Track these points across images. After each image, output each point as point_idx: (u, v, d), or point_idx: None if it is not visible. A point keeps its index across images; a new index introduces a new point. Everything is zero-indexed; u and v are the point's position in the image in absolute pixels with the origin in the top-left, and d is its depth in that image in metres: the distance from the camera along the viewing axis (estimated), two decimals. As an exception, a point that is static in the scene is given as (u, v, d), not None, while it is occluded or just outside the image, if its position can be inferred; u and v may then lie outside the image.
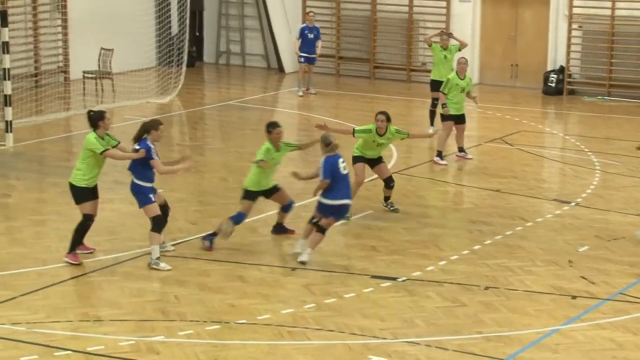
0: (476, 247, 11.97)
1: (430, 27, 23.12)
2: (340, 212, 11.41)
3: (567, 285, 10.67)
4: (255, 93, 22.15)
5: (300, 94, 21.56)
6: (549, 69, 22.40)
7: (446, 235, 12.52)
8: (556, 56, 22.37)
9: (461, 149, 16.23)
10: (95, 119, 11.21)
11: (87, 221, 11.19)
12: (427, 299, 10.32)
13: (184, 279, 10.77)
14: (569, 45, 22.19)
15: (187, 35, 21.89)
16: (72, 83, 21.55)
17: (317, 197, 11.41)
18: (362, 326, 9.58)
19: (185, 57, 21.83)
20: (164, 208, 11.40)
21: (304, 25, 21.76)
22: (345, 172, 11.39)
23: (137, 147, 11.11)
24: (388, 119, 13.12)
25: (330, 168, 11.30)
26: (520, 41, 22.82)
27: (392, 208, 13.34)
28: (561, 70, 22.22)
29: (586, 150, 16.91)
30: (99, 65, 21.38)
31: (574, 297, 10.35)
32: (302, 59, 21.53)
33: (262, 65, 25.12)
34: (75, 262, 11.11)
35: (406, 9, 23.49)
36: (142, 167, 11.08)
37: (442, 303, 10.19)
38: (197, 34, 25.30)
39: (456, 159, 16.02)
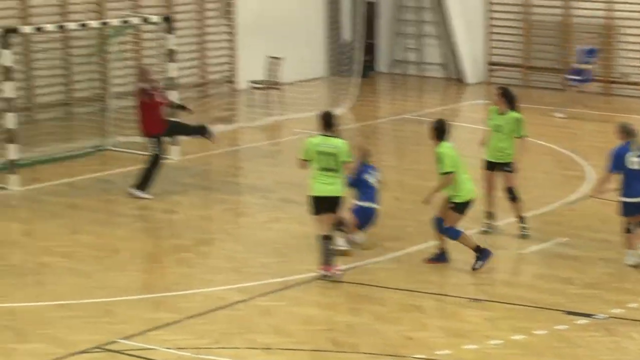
0: (688, 280, 11.53)
1: (631, 34, 22.51)
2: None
3: None
4: (433, 105, 22.12)
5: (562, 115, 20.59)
6: None
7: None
8: None
9: None
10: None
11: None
12: (630, 340, 9.98)
13: (357, 307, 10.83)
14: None
15: (360, 43, 22.10)
16: (238, 94, 22.11)
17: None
18: (557, 367, 9.38)
19: (358, 67, 22.04)
20: None
21: (591, 47, 20.91)
22: (636, 167, 11.62)
23: None
24: (504, 95, 12.88)
25: (617, 159, 11.62)
26: None
27: (523, 232, 13.00)
28: None
29: None
30: (266, 75, 21.85)
31: None
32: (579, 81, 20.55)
33: (441, 76, 25.07)
34: (337, 272, 11.52)
35: (603, 13, 22.95)
36: None
37: (646, 346, 9.86)
38: (371, 41, 25.51)
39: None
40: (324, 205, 11.37)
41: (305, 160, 11.48)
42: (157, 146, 14.66)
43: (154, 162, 14.65)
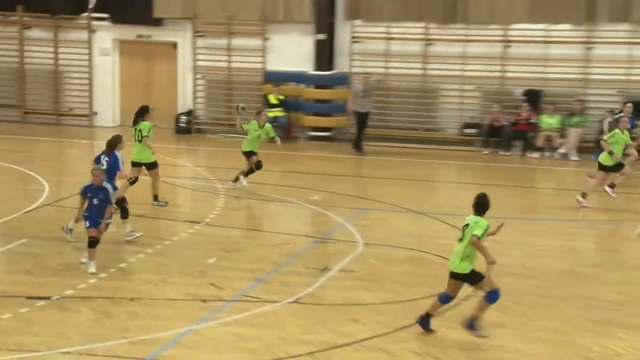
0: (122, 265, 11.87)
1: (76, 77, 22.97)
2: None
3: (199, 292, 10.92)
4: None
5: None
6: (179, 111, 22.97)
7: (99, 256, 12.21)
8: (185, 101, 23.01)
9: None
10: None
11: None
12: (78, 313, 10.04)
13: None
14: (195, 92, 22.91)
15: None
16: None
17: None
18: (18, 342, 9.13)
19: None
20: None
21: None
22: None
23: None
24: None
25: None
26: (154, 88, 23.19)
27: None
28: (189, 113, 22.87)
29: (212, 178, 17.44)
30: None
31: (204, 301, 10.61)
32: None
33: None
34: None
35: (52, 61, 23.06)
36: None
37: (92, 316, 9.97)
38: None
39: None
40: None
41: None
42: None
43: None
